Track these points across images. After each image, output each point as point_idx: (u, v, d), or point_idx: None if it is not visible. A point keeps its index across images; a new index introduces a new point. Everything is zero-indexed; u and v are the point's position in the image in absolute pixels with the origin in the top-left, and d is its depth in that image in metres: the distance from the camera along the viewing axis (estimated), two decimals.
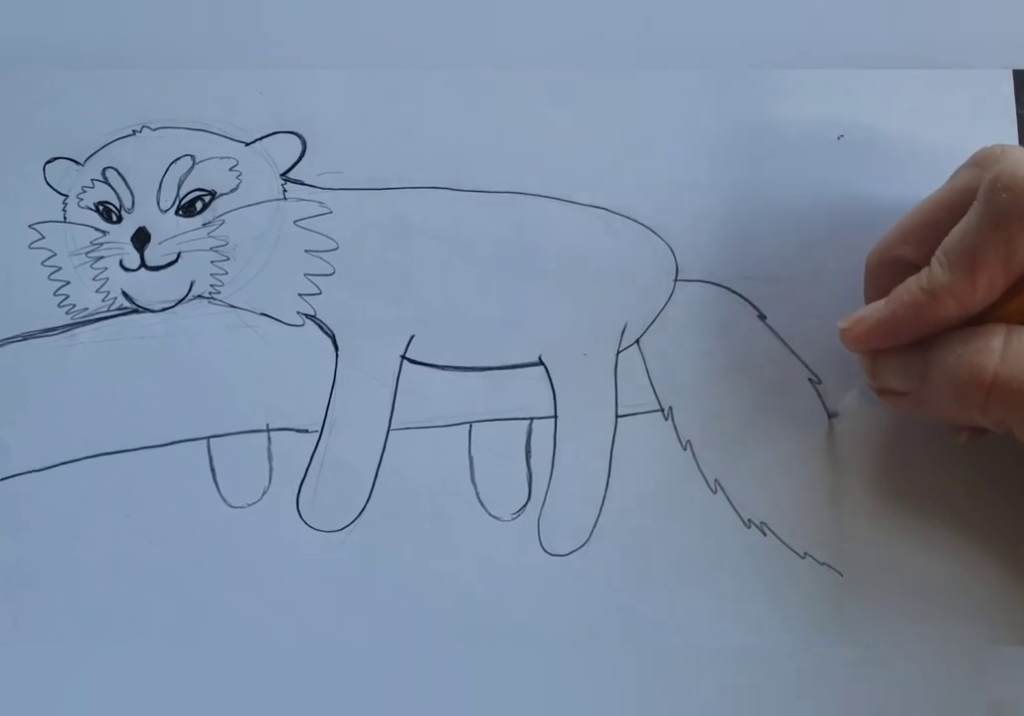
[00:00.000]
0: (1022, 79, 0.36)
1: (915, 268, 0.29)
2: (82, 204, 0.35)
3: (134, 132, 0.35)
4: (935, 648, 0.31)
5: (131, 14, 0.36)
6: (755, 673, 0.31)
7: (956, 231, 0.28)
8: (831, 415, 0.33)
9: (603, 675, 0.31)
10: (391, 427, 0.33)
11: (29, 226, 0.35)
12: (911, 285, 0.28)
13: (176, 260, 0.34)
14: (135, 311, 0.34)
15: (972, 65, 0.36)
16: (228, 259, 0.34)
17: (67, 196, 0.35)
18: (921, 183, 0.34)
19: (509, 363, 0.34)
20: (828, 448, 0.33)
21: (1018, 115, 0.35)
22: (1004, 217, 0.26)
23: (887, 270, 0.31)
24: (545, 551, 0.32)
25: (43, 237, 0.35)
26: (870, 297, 0.31)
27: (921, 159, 0.35)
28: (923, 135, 0.35)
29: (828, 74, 0.35)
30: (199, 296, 0.34)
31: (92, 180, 0.35)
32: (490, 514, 0.33)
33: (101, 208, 0.35)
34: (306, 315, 0.34)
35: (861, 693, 0.30)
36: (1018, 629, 0.31)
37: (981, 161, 0.29)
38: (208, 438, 0.33)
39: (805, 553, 0.32)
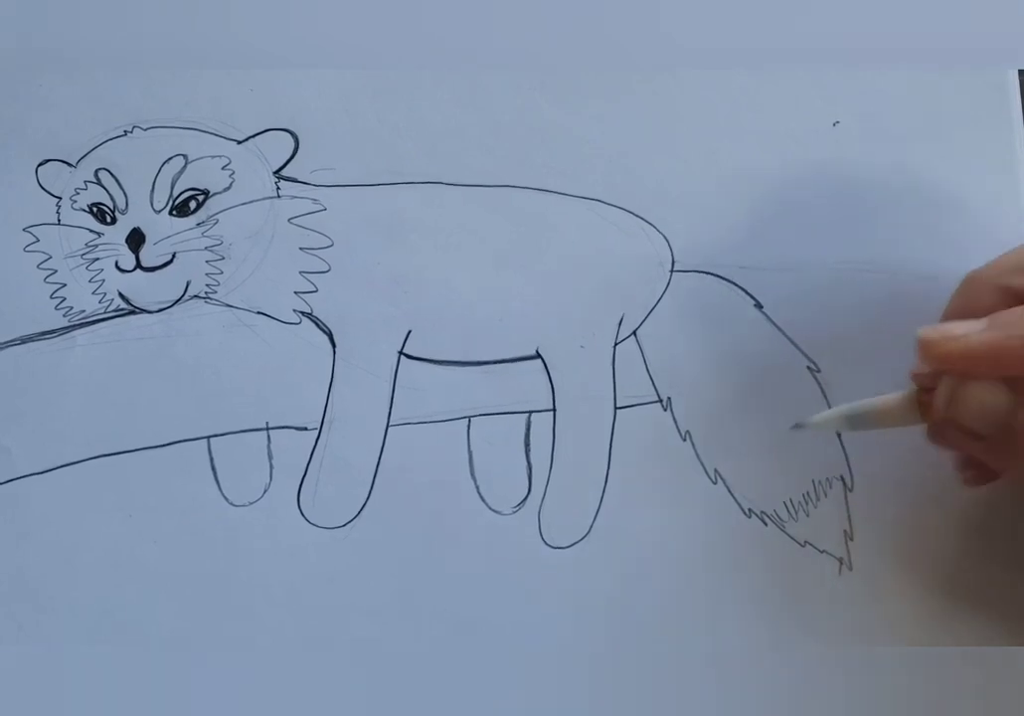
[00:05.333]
0: None
1: (1017, 300, 0.27)
2: (76, 206, 0.35)
3: (125, 132, 0.35)
4: (935, 643, 0.31)
5: (120, 15, 0.35)
6: (755, 665, 0.31)
7: None
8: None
9: (604, 668, 0.31)
10: (390, 423, 0.33)
11: (24, 229, 0.35)
12: None
13: (171, 260, 0.34)
14: (132, 312, 0.34)
15: (978, 65, 0.35)
16: (223, 258, 0.34)
17: (60, 198, 0.35)
18: (920, 174, 0.34)
19: (507, 357, 0.34)
20: (829, 436, 0.33)
21: None
22: None
23: (988, 294, 0.28)
24: (546, 544, 0.33)
25: (38, 240, 0.35)
26: (955, 313, 0.29)
27: (922, 152, 0.35)
28: (923, 132, 0.35)
29: (827, 69, 0.35)
30: (195, 296, 0.34)
31: (85, 182, 0.35)
32: (490, 508, 0.33)
33: (95, 209, 0.35)
34: (303, 313, 0.34)
35: (861, 688, 0.30)
36: (1018, 629, 0.31)
37: None
38: (208, 437, 0.33)
39: (805, 541, 0.32)
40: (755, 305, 0.34)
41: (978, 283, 0.29)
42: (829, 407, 0.33)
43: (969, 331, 0.26)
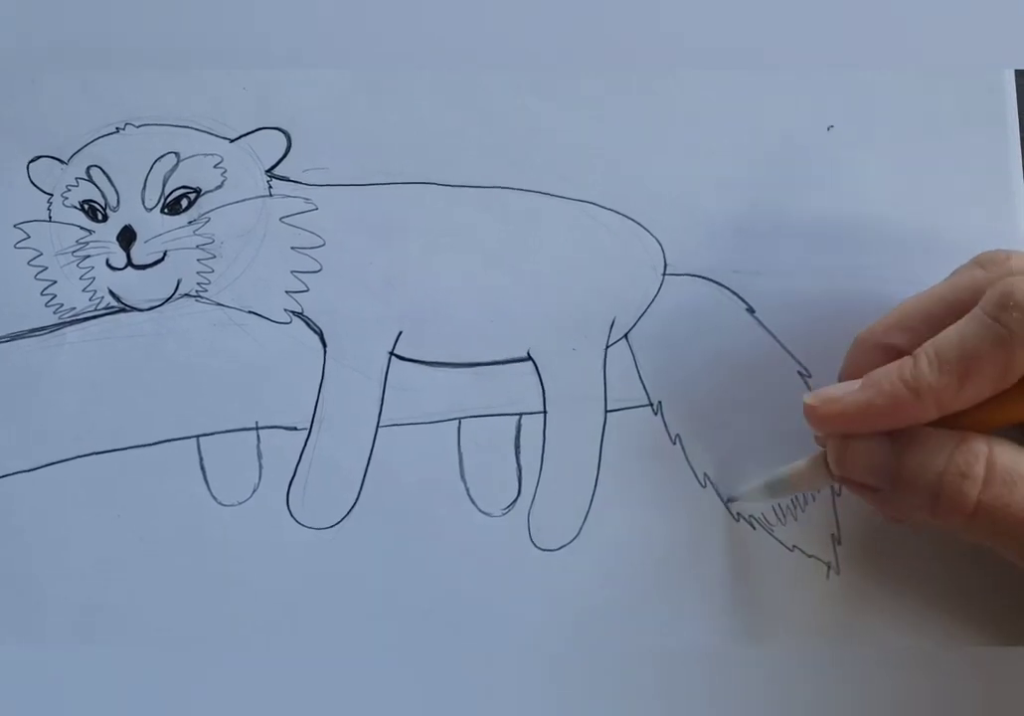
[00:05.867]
0: None
1: (900, 355, 0.28)
2: (67, 203, 0.35)
3: (118, 129, 0.35)
4: (928, 646, 0.31)
5: (113, 12, 0.35)
6: (744, 668, 0.31)
7: (953, 333, 0.26)
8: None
9: (593, 670, 0.31)
10: (380, 424, 0.33)
11: (14, 226, 0.35)
12: (892, 375, 0.27)
13: (162, 259, 0.34)
14: (122, 310, 0.34)
15: (974, 65, 0.35)
16: (214, 257, 0.34)
17: (52, 195, 0.35)
18: (914, 176, 0.34)
19: (498, 359, 0.34)
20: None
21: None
22: (1010, 337, 0.25)
23: (873, 353, 0.29)
24: (535, 546, 0.33)
25: (28, 236, 0.35)
26: (847, 374, 0.30)
27: (915, 156, 0.35)
28: (918, 134, 0.35)
29: (821, 72, 0.35)
30: (186, 294, 0.34)
31: (76, 178, 0.35)
32: (480, 510, 0.33)
33: (86, 207, 0.35)
34: (293, 312, 0.34)
35: (850, 691, 0.30)
36: (1018, 629, 0.31)
37: (986, 263, 0.28)
38: (197, 437, 0.33)
39: (794, 546, 0.32)
40: (747, 309, 0.34)
41: (863, 343, 0.30)
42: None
43: (844, 393, 0.27)
